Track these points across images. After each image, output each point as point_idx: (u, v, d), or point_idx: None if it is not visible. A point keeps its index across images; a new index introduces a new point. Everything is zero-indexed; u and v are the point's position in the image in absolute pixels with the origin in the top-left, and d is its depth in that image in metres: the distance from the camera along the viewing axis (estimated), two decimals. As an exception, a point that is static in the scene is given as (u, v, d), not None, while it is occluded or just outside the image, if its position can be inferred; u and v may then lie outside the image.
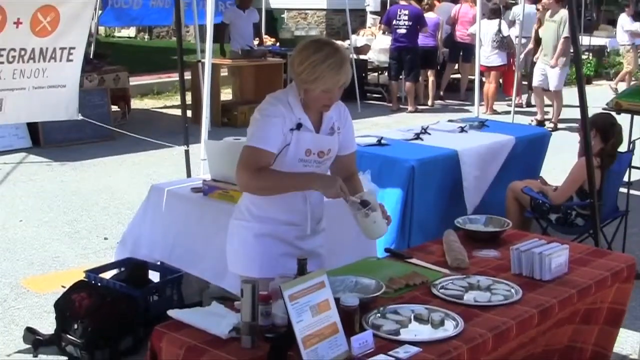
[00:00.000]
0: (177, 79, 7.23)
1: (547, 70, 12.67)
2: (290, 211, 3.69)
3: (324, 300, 2.86)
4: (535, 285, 3.60)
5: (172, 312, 3.19)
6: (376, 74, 16.57)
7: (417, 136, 7.01)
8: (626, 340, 5.34)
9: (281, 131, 3.52)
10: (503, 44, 13.87)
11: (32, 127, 10.76)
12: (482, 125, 7.65)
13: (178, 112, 7.11)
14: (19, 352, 5.07)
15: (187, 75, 12.25)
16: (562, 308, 3.50)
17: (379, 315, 3.20)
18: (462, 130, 7.36)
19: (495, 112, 13.77)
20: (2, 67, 5.75)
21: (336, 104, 3.69)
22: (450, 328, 3.11)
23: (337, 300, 2.98)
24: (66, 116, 6.53)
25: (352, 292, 3.36)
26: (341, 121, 3.75)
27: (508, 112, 13.12)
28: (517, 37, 13.73)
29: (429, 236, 5.50)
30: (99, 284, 5.27)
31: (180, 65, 6.87)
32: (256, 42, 13.74)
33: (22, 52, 5.86)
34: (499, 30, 13.69)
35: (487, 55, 13.60)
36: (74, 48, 6.23)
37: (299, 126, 3.55)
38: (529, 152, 7.39)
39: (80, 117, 6.60)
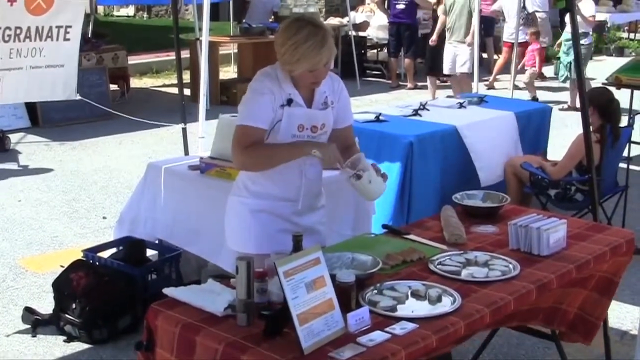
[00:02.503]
0: (175, 57, 7.20)
1: (456, 51, 11.55)
2: (286, 187, 3.67)
3: (319, 276, 2.84)
4: (533, 260, 3.57)
5: (167, 290, 3.17)
6: (375, 50, 16.49)
7: (416, 112, 6.97)
8: (626, 316, 5.34)
9: (271, 107, 3.51)
10: (528, 20, 13.75)
11: (31, 107, 10.73)
12: (481, 100, 7.62)
13: (177, 90, 7.12)
14: (18, 332, 5.08)
15: (187, 54, 12.23)
16: (560, 283, 3.48)
17: (375, 291, 3.18)
18: (461, 106, 7.33)
19: (492, 88, 13.73)
20: (-1, 47, 5.71)
21: (329, 78, 3.67)
22: (447, 304, 3.09)
23: (333, 276, 2.97)
24: (64, 96, 6.49)
25: (348, 269, 3.34)
26: (335, 95, 3.72)
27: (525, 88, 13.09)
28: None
29: (427, 212, 5.47)
30: (97, 263, 5.27)
31: (176, 44, 6.83)
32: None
33: (18, 31, 5.81)
34: (524, 7, 13.50)
35: (511, 32, 13.30)
36: (70, 27, 6.18)
37: (289, 102, 3.54)
38: (529, 127, 7.36)
39: (78, 97, 6.55)
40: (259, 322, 2.87)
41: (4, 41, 5.71)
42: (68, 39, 6.19)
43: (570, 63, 11.86)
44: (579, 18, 11.71)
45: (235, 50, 14.66)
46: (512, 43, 13.40)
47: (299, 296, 2.74)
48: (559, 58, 12.85)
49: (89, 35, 12.91)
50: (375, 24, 15.69)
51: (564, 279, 3.50)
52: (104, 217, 7.28)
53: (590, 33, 12.48)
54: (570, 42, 11.90)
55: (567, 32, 12.25)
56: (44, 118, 10.86)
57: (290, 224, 3.69)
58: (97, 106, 9.08)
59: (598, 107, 6.28)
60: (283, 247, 3.40)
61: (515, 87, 12.36)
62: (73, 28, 6.22)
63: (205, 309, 3.00)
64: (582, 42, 11.89)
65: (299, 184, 3.68)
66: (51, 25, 5.99)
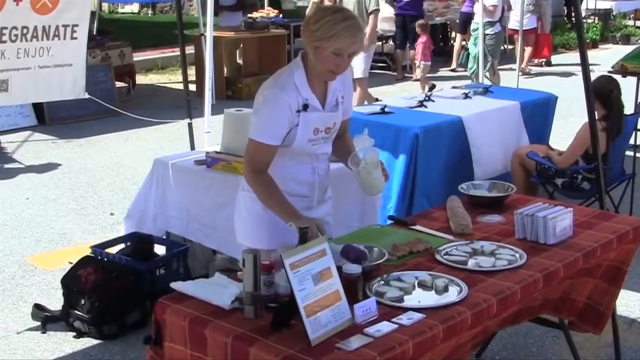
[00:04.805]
0: (180, 52, 7.20)
1: None
2: (297, 182, 3.67)
3: (325, 268, 2.85)
4: (540, 249, 3.57)
5: (175, 285, 3.18)
6: (381, 43, 16.45)
7: (421, 103, 6.98)
8: (634, 303, 5.34)
9: (287, 122, 3.51)
10: (536, 7, 13.67)
11: (37, 105, 10.76)
12: (486, 91, 7.61)
13: (182, 86, 7.10)
14: (28, 329, 5.10)
15: (191, 50, 12.23)
16: (567, 272, 3.48)
17: (382, 282, 3.19)
18: (466, 96, 7.32)
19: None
20: (6, 47, 5.69)
21: None
22: (454, 294, 3.09)
23: (339, 268, 2.97)
24: (73, 95, 6.48)
25: (355, 260, 3.34)
26: (345, 89, 3.74)
27: (538, 74, 12.98)
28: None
29: (433, 203, 5.49)
30: (105, 259, 5.28)
31: (181, 40, 6.83)
32: (258, 14, 13.66)
33: (25, 31, 5.80)
34: None
35: (518, 19, 13.06)
36: (77, 25, 6.17)
37: (305, 107, 3.53)
38: (534, 117, 7.34)
39: (87, 96, 6.56)
40: (267, 314, 2.88)
41: (11, 41, 5.70)
42: (75, 38, 6.18)
43: (477, 54, 11.58)
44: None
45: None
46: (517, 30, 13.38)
47: (306, 288, 2.75)
48: (466, 49, 12.65)
49: (94, 33, 12.94)
50: (381, 16, 15.64)
51: (571, 267, 3.50)
52: (112, 214, 7.30)
53: (497, 22, 12.12)
54: (478, 32, 11.72)
55: (475, 22, 11.96)
56: (51, 116, 10.89)
57: (302, 218, 3.68)
58: (103, 103, 9.10)
59: (600, 97, 6.25)
60: (293, 241, 3.39)
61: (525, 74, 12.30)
62: (80, 27, 6.21)
63: (212, 303, 3.01)
64: (488, 31, 11.66)
65: (312, 180, 3.70)
66: (57, 24, 5.98)
